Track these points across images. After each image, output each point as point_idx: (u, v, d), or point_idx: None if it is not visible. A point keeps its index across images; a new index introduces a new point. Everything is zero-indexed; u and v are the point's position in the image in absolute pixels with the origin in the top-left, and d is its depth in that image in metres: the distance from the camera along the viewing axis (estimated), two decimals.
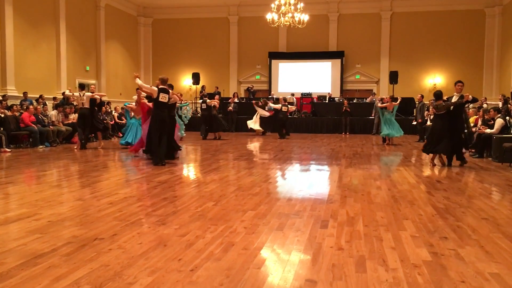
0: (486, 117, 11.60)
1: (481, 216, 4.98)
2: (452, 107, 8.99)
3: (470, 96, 8.92)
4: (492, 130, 10.66)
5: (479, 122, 12.04)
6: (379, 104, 14.88)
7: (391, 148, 13.11)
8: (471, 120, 13.30)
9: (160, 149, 8.85)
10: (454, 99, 9.15)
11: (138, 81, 9.30)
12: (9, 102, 13.95)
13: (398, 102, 14.34)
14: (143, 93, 9.94)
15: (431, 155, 9.39)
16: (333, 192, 6.39)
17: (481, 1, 21.72)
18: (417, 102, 16.66)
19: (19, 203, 5.49)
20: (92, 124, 12.15)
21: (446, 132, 8.93)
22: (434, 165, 9.22)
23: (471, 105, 17.07)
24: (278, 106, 17.16)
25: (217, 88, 22.46)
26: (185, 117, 14.66)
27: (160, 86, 9.04)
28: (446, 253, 3.71)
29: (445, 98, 9.36)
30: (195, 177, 7.99)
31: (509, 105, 12.23)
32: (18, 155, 10.71)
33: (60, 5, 18.22)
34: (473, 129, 12.01)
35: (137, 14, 24.92)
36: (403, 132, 14.30)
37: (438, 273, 3.25)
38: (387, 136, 14.05)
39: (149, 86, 9.26)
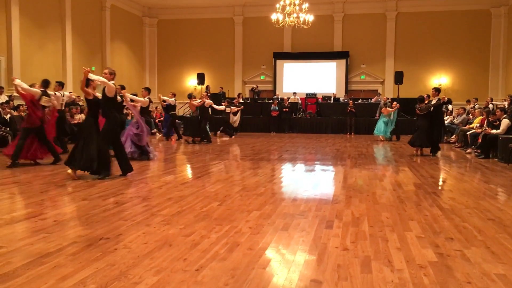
0: (490, 118, 11.54)
1: (487, 217, 4.96)
2: (432, 108, 10.99)
3: (446, 98, 11.08)
4: (498, 131, 10.61)
5: (485, 123, 11.97)
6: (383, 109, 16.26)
7: (396, 149, 13.06)
8: (477, 121, 13.26)
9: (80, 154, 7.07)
10: (433, 102, 11.04)
11: (95, 78, 7.64)
12: (15, 102, 14.02)
13: (393, 108, 15.81)
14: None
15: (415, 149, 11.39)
16: (338, 192, 6.38)
17: (487, 1, 21.61)
18: None
19: (25, 202, 5.51)
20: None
21: (427, 128, 10.99)
22: (421, 154, 11.16)
23: (476, 106, 17.13)
24: (222, 107, 17.00)
25: (222, 88, 22.49)
26: None
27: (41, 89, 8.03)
28: (452, 254, 3.69)
29: (426, 101, 11.35)
30: (200, 177, 8.00)
31: None
32: None
33: (66, 5, 18.30)
34: (479, 130, 11.97)
35: (142, 14, 24.99)
36: (388, 135, 15.96)
37: (444, 274, 3.24)
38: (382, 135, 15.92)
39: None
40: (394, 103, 16.35)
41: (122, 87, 9.73)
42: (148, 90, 10.69)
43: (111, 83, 7.37)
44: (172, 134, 15.86)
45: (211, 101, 14.95)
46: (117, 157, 7.56)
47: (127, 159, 7.71)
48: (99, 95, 7.60)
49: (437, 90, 11.27)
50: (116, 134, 7.66)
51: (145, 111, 10.43)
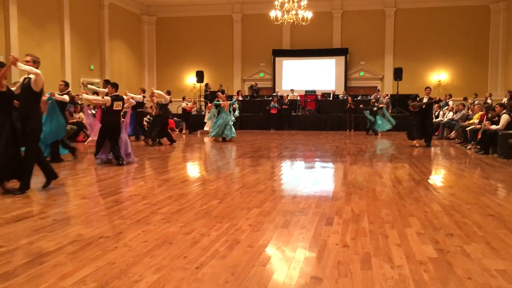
0: (490, 114, 11.52)
1: (487, 213, 4.96)
2: (424, 106, 12.29)
3: (437, 97, 13.10)
4: (497, 126, 10.60)
5: (485, 119, 11.96)
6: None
7: (396, 145, 13.06)
8: (476, 116, 13.25)
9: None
10: (424, 100, 12.38)
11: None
12: None
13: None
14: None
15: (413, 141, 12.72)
16: (338, 189, 6.38)
17: None
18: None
19: (24, 202, 5.51)
20: None
21: (421, 122, 12.27)
22: (416, 146, 12.30)
23: (476, 101, 17.13)
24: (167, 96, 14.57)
25: (221, 86, 22.45)
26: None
27: None
28: (452, 249, 3.69)
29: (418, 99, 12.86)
30: (200, 175, 8.00)
31: None
32: None
33: (64, 4, 18.23)
34: (478, 126, 11.97)
35: (141, 12, 24.92)
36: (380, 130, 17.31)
37: (444, 270, 3.24)
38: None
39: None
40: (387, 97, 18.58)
41: (66, 84, 9.38)
42: (112, 84, 9.26)
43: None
44: (141, 133, 14.43)
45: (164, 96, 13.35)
46: (37, 162, 6.29)
47: (47, 163, 6.50)
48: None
49: (430, 89, 12.91)
50: (39, 135, 6.47)
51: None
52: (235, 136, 14.32)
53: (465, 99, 18.32)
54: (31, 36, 16.68)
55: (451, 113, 15.95)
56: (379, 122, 17.01)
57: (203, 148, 12.44)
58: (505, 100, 15.57)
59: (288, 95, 20.76)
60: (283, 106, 19.99)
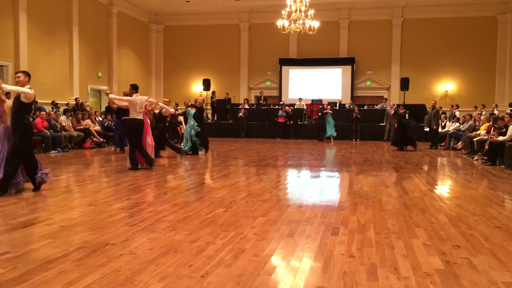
0: (499, 124, 11.45)
1: (494, 224, 4.92)
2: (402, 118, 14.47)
3: (406, 113, 14.80)
4: (504, 137, 10.54)
5: (492, 130, 11.90)
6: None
7: (402, 155, 13.01)
8: (484, 127, 13.18)
9: None
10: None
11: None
12: None
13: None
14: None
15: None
16: (343, 199, 6.36)
17: (494, 7, 21.56)
18: (429, 109, 16.55)
19: (31, 208, 5.53)
20: None
21: (399, 132, 14.52)
22: (403, 149, 14.27)
23: (483, 112, 17.08)
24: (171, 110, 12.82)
25: (227, 94, 22.55)
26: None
27: None
28: (459, 261, 3.67)
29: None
30: (206, 183, 8.00)
31: None
32: None
33: (73, 12, 18.44)
34: (485, 137, 11.91)
35: (149, 20, 25.12)
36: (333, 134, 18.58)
37: (450, 282, 3.22)
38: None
39: None
40: (329, 107, 18.93)
41: None
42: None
43: None
44: (126, 144, 12.12)
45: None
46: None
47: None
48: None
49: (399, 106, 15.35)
50: None
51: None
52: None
53: (476, 107, 18.30)
54: (40, 43, 16.86)
55: (457, 123, 15.88)
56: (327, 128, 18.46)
57: (208, 155, 12.44)
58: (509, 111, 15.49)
59: (294, 105, 20.82)
60: (288, 112, 20.02)
